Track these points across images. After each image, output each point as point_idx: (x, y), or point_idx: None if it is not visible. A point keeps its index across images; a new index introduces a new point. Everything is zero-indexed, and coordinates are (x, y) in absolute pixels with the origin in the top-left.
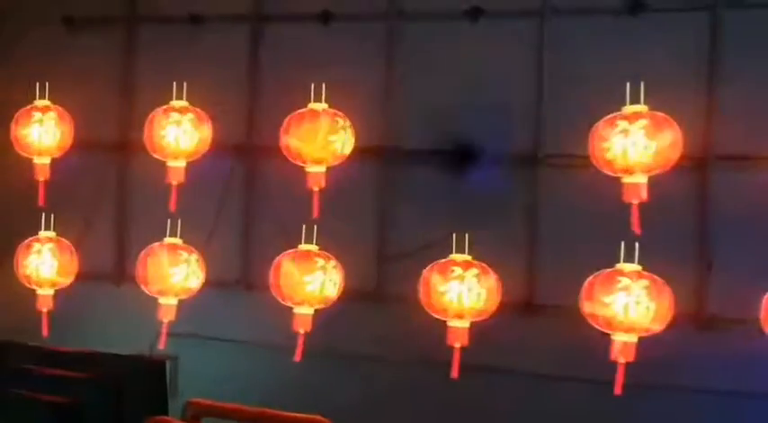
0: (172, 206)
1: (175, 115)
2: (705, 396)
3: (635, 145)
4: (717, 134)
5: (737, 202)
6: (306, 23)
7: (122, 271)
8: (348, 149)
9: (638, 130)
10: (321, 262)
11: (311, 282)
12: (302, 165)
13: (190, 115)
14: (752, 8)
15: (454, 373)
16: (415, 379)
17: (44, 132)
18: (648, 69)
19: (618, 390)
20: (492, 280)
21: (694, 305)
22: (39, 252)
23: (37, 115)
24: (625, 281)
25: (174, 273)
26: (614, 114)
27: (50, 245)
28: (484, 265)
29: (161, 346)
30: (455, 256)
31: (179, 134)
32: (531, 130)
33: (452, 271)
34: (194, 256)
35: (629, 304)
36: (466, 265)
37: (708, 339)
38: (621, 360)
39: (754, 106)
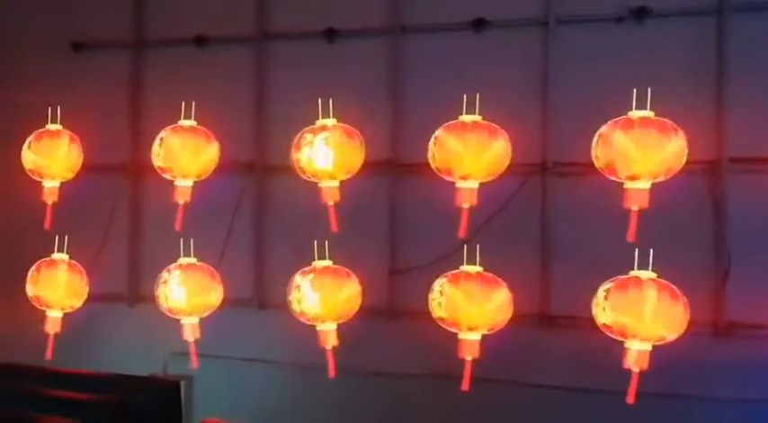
0: (177, 226)
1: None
2: (723, 404)
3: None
4: (728, 137)
5: (753, 204)
6: (310, 41)
7: (136, 291)
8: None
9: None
10: None
11: None
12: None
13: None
14: (757, 11)
15: (465, 386)
16: (430, 393)
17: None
18: (655, 75)
19: (631, 398)
20: None
21: (711, 312)
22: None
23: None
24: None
25: None
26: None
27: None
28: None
29: (193, 365)
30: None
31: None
32: (539, 139)
33: None
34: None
35: None
36: None
37: (725, 347)
38: (635, 369)
39: (764, 107)
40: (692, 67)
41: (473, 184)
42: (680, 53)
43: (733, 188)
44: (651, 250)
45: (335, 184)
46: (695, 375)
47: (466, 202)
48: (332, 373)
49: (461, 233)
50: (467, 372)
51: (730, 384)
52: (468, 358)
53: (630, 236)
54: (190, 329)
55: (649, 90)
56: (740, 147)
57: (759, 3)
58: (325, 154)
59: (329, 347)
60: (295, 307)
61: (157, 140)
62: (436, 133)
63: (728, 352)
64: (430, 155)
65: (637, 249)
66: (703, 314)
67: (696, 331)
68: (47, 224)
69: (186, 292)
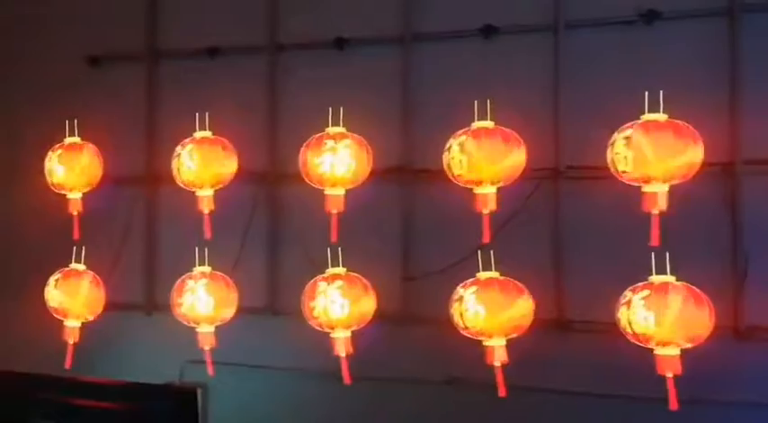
0: (207, 234)
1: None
2: (745, 408)
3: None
4: (742, 139)
5: None
6: (322, 50)
7: (153, 300)
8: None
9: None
10: None
11: None
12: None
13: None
14: None
15: (501, 393)
16: (445, 399)
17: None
18: (667, 77)
19: (673, 405)
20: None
21: (731, 316)
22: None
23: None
24: None
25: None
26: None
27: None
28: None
29: (210, 373)
30: None
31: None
32: (552, 143)
33: None
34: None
35: None
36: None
37: (746, 351)
38: (669, 374)
39: None
40: (705, 68)
41: (492, 189)
42: (692, 55)
43: (749, 190)
44: (667, 254)
45: (341, 192)
46: (716, 380)
47: (486, 208)
48: (347, 380)
49: (485, 238)
50: (499, 378)
51: (752, 388)
52: (497, 364)
53: (654, 240)
54: (206, 338)
55: (662, 93)
56: (755, 148)
57: None
58: (348, 162)
59: (343, 355)
60: (318, 314)
61: (183, 152)
62: (460, 140)
63: (750, 356)
64: (455, 162)
65: (653, 253)
66: (723, 318)
67: (716, 336)
68: (75, 235)
69: (212, 300)
